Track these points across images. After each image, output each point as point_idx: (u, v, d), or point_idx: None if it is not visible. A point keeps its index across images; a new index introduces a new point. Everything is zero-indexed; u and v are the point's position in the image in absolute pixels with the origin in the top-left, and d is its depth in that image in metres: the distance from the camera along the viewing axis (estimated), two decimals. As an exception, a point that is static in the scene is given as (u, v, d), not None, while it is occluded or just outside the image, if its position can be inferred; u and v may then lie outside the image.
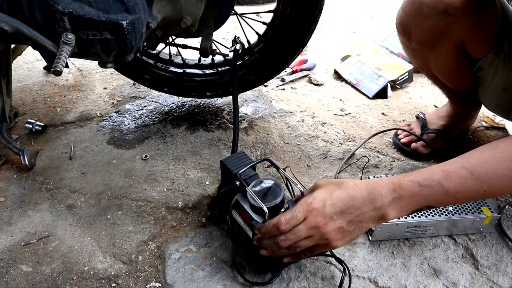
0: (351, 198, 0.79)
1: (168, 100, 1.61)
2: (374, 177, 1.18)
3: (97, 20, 0.91)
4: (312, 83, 1.81)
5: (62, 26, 0.91)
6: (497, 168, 0.79)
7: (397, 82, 1.76)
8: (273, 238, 0.82)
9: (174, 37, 1.33)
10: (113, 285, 0.96)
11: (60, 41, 0.91)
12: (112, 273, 0.98)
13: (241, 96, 1.65)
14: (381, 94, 1.73)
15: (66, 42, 0.91)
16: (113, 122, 1.49)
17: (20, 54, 1.53)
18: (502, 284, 0.98)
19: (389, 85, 1.73)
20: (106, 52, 0.98)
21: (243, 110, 1.58)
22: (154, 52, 1.43)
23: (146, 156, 1.33)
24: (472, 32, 1.03)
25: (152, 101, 1.61)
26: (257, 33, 1.33)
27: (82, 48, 0.96)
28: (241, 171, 0.95)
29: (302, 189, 0.87)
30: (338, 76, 1.87)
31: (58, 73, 0.89)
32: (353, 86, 1.80)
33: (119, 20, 0.92)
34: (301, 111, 1.59)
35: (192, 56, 1.49)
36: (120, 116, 1.52)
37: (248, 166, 0.96)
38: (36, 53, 1.54)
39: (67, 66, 0.95)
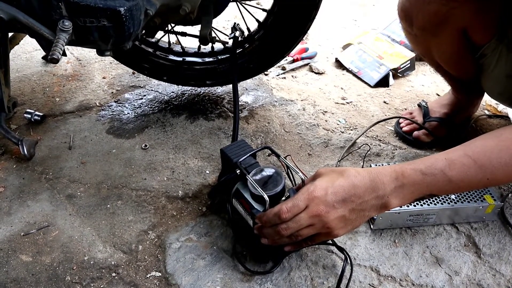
0: (353, 186, 0.78)
1: (168, 89, 1.60)
2: (376, 165, 1.18)
3: (94, 7, 0.89)
4: (313, 71, 1.79)
5: (59, 13, 0.90)
6: (500, 156, 0.78)
7: (398, 71, 1.75)
8: (274, 227, 0.82)
9: (173, 25, 1.31)
10: (113, 274, 0.95)
11: (57, 28, 0.90)
12: (112, 263, 0.98)
13: (241, 85, 1.64)
14: (383, 82, 1.71)
15: (63, 29, 0.90)
16: (113, 111, 1.48)
17: (18, 44, 1.52)
18: (505, 272, 0.98)
19: (390, 73, 1.72)
20: (104, 39, 0.97)
21: (244, 98, 1.56)
22: (153, 40, 1.42)
23: (146, 145, 1.32)
24: (475, 17, 1.01)
25: (152, 90, 1.60)
26: (257, 20, 1.31)
27: (80, 35, 0.95)
28: (241, 159, 0.94)
29: (303, 177, 0.86)
30: (339, 64, 1.85)
31: (55, 61, 0.88)
32: (354, 75, 1.78)
33: (117, 7, 0.90)
34: (302, 100, 1.58)
35: (191, 44, 1.48)
36: (119, 106, 1.51)
37: (248, 154, 0.95)
38: (35, 42, 1.53)
39: (64, 54, 0.94)
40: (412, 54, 1.77)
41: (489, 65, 1.08)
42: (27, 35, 1.04)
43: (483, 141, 0.83)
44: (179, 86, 1.61)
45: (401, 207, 1.01)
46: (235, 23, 1.32)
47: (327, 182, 0.79)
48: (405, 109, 1.55)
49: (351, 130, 1.42)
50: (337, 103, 1.58)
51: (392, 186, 0.78)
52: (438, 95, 1.66)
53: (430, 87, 1.72)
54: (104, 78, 1.67)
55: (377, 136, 1.40)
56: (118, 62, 1.52)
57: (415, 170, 0.79)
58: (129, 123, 1.42)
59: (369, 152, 1.31)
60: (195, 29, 1.23)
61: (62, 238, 1.03)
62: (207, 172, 1.23)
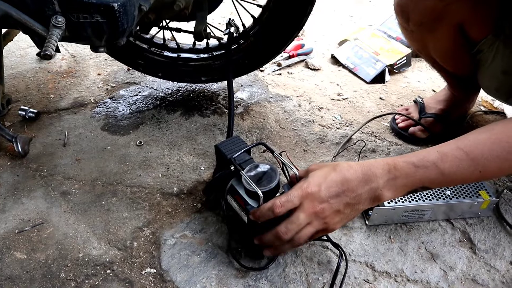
0: (346, 180, 0.78)
1: (163, 86, 1.60)
2: (371, 161, 1.17)
3: (88, 2, 0.88)
4: (309, 67, 1.79)
5: (52, 9, 0.89)
6: (492, 149, 0.78)
7: (395, 67, 1.74)
8: (274, 233, 0.81)
9: (167, 21, 1.30)
10: (108, 271, 0.95)
11: (50, 24, 0.89)
12: (107, 260, 0.98)
13: (237, 81, 1.63)
14: (379, 78, 1.71)
15: (56, 25, 0.89)
16: (107, 108, 1.47)
17: (12, 40, 1.51)
18: (500, 268, 0.98)
19: (386, 69, 1.71)
20: (97, 35, 0.96)
21: (239, 95, 1.56)
22: (148, 36, 1.41)
23: (140, 142, 1.31)
24: (471, 13, 1.01)
25: (147, 86, 1.59)
26: (252, 16, 1.31)
27: (73, 31, 0.94)
28: (235, 155, 0.93)
29: (296, 172, 0.86)
30: (335, 60, 1.85)
31: (48, 57, 0.87)
32: (350, 71, 1.78)
33: (110, 2, 0.89)
34: (297, 96, 1.57)
35: (186, 40, 1.47)
36: (114, 102, 1.50)
37: (242, 150, 0.94)
38: (29, 39, 1.52)
39: (58, 50, 0.93)
40: (408, 50, 1.77)
41: (485, 61, 1.08)
42: (21, 32, 1.04)
43: (475, 134, 0.83)
44: (174, 82, 1.60)
45: (394, 199, 1.01)
46: (230, 19, 1.31)
47: (319, 178, 0.79)
48: (401, 105, 1.55)
49: (346, 126, 1.42)
50: (333, 99, 1.58)
51: (384, 178, 0.79)
52: (434, 91, 1.66)
53: (426, 83, 1.72)
54: (99, 74, 1.66)
55: (372, 132, 1.40)
56: (113, 58, 1.51)
57: (407, 162, 0.79)
58: (124, 119, 1.42)
59: (364, 148, 1.30)
60: (190, 25, 1.22)
61: (56, 235, 1.03)
62: (202, 168, 1.23)
